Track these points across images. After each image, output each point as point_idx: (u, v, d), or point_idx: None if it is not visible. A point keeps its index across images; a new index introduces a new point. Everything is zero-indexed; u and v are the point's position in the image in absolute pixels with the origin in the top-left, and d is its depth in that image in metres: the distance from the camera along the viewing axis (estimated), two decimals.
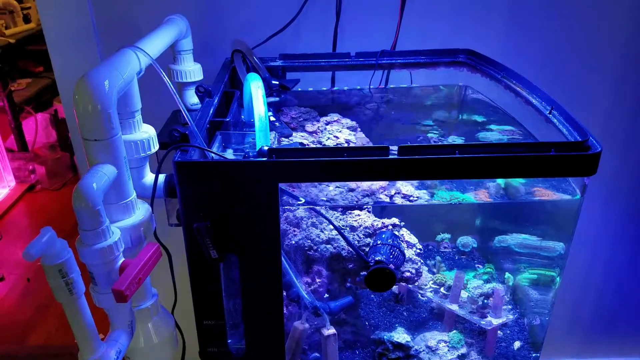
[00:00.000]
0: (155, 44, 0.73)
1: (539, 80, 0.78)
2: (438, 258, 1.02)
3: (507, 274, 0.97)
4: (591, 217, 1.34)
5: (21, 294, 2.09)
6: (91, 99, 0.55)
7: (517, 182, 0.76)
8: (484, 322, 0.86)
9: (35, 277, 2.16)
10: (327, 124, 0.93)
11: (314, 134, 0.90)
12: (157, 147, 0.70)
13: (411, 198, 0.76)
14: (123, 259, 0.61)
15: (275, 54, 1.00)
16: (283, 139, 0.87)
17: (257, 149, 0.63)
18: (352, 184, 0.76)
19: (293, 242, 0.82)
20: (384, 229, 0.83)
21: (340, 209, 0.85)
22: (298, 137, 0.88)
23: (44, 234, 0.51)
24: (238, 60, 0.92)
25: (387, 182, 0.76)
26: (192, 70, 0.91)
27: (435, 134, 0.93)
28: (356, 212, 0.86)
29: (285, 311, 0.74)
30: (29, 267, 2.22)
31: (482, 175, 0.63)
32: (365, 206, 0.85)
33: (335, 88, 1.08)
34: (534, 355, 0.88)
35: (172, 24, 0.84)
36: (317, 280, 0.83)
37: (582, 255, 1.39)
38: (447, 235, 1.08)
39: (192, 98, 0.93)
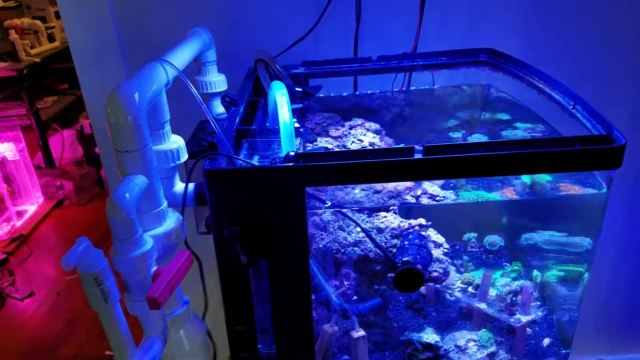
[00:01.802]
0: (181, 57, 0.75)
1: (561, 76, 0.78)
2: (465, 258, 1.02)
3: (534, 271, 0.96)
4: (618, 212, 1.31)
5: (51, 308, 2.13)
6: (122, 111, 0.57)
7: (544, 178, 0.76)
8: (512, 320, 0.86)
9: (65, 292, 2.21)
10: (351, 128, 0.93)
11: (339, 139, 0.91)
12: (186, 156, 0.71)
13: (437, 198, 0.76)
14: (156, 267, 0.62)
15: (297, 61, 1.01)
16: (308, 144, 0.88)
17: (283, 154, 0.64)
18: (378, 186, 0.76)
19: (320, 245, 0.83)
20: (410, 230, 0.84)
21: (366, 211, 0.86)
22: (323, 142, 0.89)
23: (79, 243, 0.53)
24: (261, 69, 0.93)
25: (413, 183, 0.76)
26: (217, 81, 0.92)
27: (459, 133, 0.93)
28: (382, 214, 0.86)
29: (314, 314, 0.75)
30: (58, 282, 2.27)
31: (507, 172, 0.63)
32: (391, 207, 0.85)
33: (357, 93, 1.08)
34: (564, 351, 0.86)
35: (196, 37, 0.86)
36: (345, 282, 0.83)
37: (610, 250, 1.36)
38: (474, 235, 1.07)
39: (218, 108, 0.95)
